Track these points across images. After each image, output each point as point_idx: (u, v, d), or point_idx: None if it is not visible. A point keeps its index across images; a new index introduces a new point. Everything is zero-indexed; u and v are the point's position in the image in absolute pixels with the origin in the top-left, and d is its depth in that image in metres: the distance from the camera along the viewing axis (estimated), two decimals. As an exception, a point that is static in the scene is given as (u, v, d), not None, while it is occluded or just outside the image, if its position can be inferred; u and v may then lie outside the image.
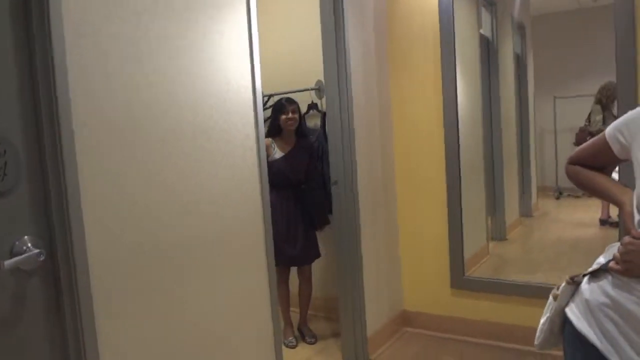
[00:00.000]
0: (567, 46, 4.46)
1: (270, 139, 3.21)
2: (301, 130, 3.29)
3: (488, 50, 4.12)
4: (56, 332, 1.42)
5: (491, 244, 4.12)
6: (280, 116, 3.18)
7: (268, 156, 3.14)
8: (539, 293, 2.87)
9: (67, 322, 1.41)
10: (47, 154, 1.38)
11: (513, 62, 4.63)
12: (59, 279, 1.40)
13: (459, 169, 3.11)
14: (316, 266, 3.54)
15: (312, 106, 3.57)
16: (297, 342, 3.28)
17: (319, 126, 3.52)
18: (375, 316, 3.08)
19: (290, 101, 3.21)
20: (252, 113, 2.16)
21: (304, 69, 3.58)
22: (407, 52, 3.23)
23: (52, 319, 1.41)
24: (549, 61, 4.55)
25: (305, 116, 3.59)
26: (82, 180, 1.46)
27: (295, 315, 3.43)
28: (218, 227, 1.99)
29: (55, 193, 1.39)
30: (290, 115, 3.16)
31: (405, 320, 3.38)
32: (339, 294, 2.99)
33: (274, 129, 3.23)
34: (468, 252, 3.24)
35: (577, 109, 4.31)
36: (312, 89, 3.54)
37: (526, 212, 4.84)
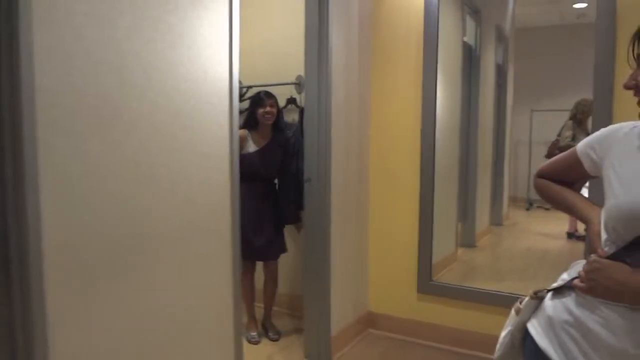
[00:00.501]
0: (548, 60, 4.52)
1: (246, 131, 3.16)
2: (278, 124, 3.25)
3: (470, 57, 4.14)
4: (3, 319, 1.35)
5: (460, 250, 4.15)
6: (257, 109, 3.13)
7: (242, 148, 3.09)
8: (505, 302, 2.85)
9: (16, 311, 1.35)
10: (5, 132, 1.31)
11: (494, 72, 4.67)
12: (9, 263, 1.34)
13: (433, 173, 3.11)
14: (284, 262, 3.51)
15: (291, 101, 3.53)
16: (260, 338, 3.24)
17: (297, 121, 3.48)
18: (340, 316, 3.07)
19: (269, 95, 3.16)
20: (227, 103, 2.11)
21: (285, 62, 3.54)
22: (390, 53, 3.22)
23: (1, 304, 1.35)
24: (528, 74, 4.62)
25: (284, 110, 3.55)
26: (42, 161, 1.39)
27: (260, 310, 3.39)
28: (185, 217, 1.94)
29: (11, 174, 1.33)
30: (268, 109, 3.11)
31: (370, 321, 3.38)
32: (304, 291, 2.97)
33: (250, 121, 3.18)
34: (437, 257, 3.25)
35: (553, 122, 4.37)
36: (292, 83, 3.50)
37: (497, 220, 4.90)
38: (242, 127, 3.12)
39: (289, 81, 3.47)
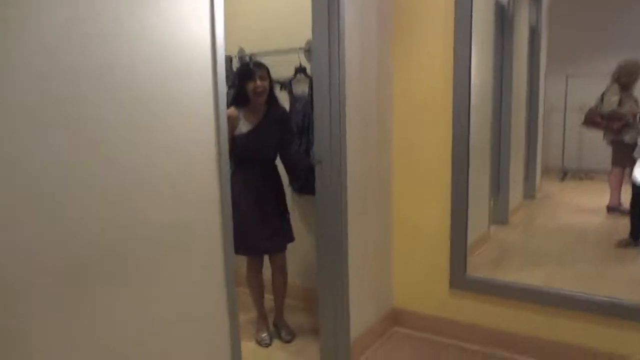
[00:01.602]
0: (585, 21, 4.06)
1: (236, 110, 2.72)
2: (271, 98, 2.78)
3: (502, 19, 3.65)
4: None
5: (492, 229, 3.73)
6: (247, 84, 2.66)
7: (234, 130, 2.69)
8: (551, 300, 2.51)
9: None
10: None
11: (527, 34, 4.19)
12: None
13: (468, 149, 2.65)
14: (297, 250, 3.14)
15: (300, 70, 3.09)
16: (271, 340, 2.89)
17: (307, 94, 3.05)
18: (361, 314, 2.69)
19: (259, 65, 2.70)
20: (210, 76, 1.69)
21: (292, 25, 3.08)
22: (416, 14, 2.72)
23: None
24: (564, 36, 4.19)
25: (292, 81, 3.12)
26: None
27: (270, 303, 3.04)
28: (165, 216, 1.57)
29: None
30: (258, 82, 2.64)
31: (395, 318, 3.00)
32: (319, 289, 2.59)
33: (240, 97, 2.72)
34: (469, 238, 2.82)
35: (590, 88, 4.00)
36: (300, 49, 3.04)
37: (529, 193, 4.52)
38: (230, 104, 2.69)
39: (298, 47, 3.01)
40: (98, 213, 1.37)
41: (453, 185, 2.69)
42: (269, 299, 3.01)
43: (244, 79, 2.67)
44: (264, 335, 2.89)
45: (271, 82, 2.75)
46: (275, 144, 2.78)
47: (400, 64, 2.79)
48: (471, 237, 2.88)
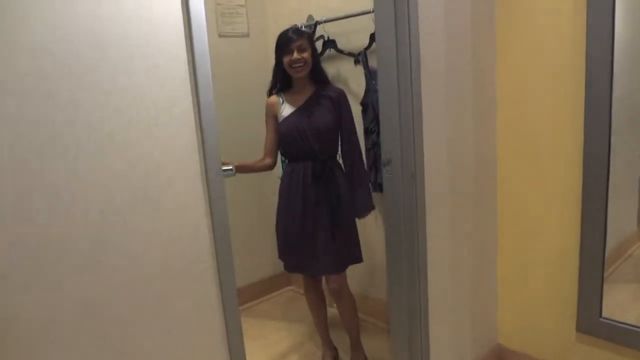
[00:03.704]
0: None
1: (275, 97, 2.21)
2: (317, 74, 2.17)
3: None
4: None
5: None
6: (283, 58, 2.10)
7: (276, 117, 2.18)
8: None
9: None
10: None
11: None
12: None
13: (609, 142, 1.82)
14: (380, 262, 2.55)
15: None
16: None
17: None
18: (447, 352, 2.04)
19: (298, 33, 2.10)
20: (183, 54, 1.16)
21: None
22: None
23: None
24: None
25: (367, 52, 2.47)
26: None
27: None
28: (133, 245, 1.12)
29: None
30: (295, 55, 2.06)
31: (500, 359, 2.29)
32: (390, 322, 1.99)
33: (280, 79, 2.18)
34: (609, 241, 1.97)
35: None
36: (373, 12, 2.38)
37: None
38: (270, 90, 2.22)
39: (369, 9, 2.35)
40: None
41: (585, 189, 1.88)
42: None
43: (280, 52, 2.10)
44: (328, 363, 2.39)
45: (315, 53, 2.15)
46: (325, 131, 2.13)
47: (505, 24, 2.01)
48: (613, 239, 2.04)
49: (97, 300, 1.14)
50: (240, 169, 2.06)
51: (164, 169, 1.20)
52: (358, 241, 2.25)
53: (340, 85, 2.51)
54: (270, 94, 2.24)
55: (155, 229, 1.21)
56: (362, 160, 2.24)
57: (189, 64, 1.18)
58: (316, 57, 2.16)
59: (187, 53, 1.17)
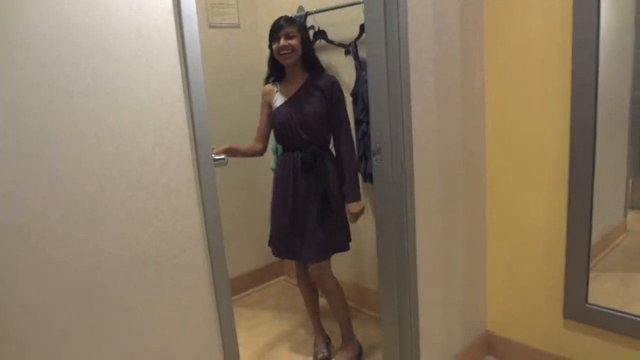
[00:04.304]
0: None
1: (270, 85, 2.24)
2: (309, 62, 2.18)
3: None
4: None
5: (631, 216, 2.79)
6: (272, 45, 2.13)
7: (270, 104, 2.22)
8: None
9: None
10: None
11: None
12: None
13: (595, 125, 1.85)
14: (370, 251, 2.57)
15: (366, 28, 2.44)
16: (329, 353, 2.40)
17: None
18: (438, 342, 2.08)
19: (289, 20, 2.12)
20: (174, 42, 1.17)
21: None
22: None
23: None
24: None
25: (357, 43, 2.49)
26: None
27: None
28: (126, 239, 1.12)
29: None
30: (282, 42, 2.08)
31: (488, 345, 2.33)
32: (381, 311, 2.02)
33: (274, 66, 2.22)
34: (596, 230, 2.00)
35: None
36: (362, 3, 2.39)
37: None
38: (267, 79, 2.26)
39: (360, 0, 2.36)
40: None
41: (572, 175, 1.91)
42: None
43: (270, 40, 2.13)
44: (318, 349, 2.44)
45: (306, 40, 2.17)
46: (314, 123, 2.14)
47: (493, 12, 2.03)
48: (600, 228, 2.07)
49: (89, 287, 1.15)
50: (230, 152, 2.12)
51: (156, 155, 1.21)
52: (348, 229, 2.28)
53: (330, 76, 2.53)
54: (266, 82, 2.27)
55: (146, 216, 1.22)
56: (354, 151, 2.26)
57: (179, 51, 1.19)
58: (307, 45, 2.18)
59: (178, 41, 1.18)
